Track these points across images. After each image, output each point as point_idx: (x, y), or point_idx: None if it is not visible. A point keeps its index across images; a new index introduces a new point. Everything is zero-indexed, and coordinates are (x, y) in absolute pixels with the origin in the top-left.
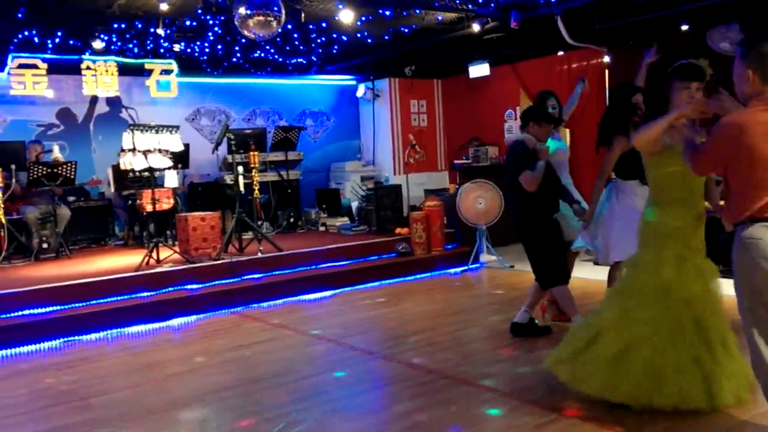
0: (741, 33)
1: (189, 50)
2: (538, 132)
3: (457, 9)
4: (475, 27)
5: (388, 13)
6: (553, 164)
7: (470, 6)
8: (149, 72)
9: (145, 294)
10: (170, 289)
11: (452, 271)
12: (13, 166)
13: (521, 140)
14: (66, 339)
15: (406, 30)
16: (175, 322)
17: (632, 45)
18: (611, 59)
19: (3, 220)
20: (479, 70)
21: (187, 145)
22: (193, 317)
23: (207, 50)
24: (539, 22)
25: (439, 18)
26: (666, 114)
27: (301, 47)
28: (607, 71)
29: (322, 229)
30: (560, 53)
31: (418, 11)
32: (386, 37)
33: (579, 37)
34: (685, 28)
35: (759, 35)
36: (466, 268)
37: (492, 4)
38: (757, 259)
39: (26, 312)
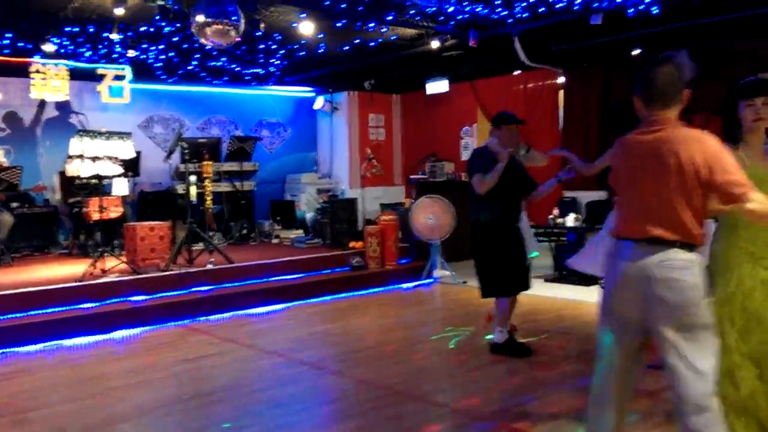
0: (690, 60)
1: (144, 56)
2: (501, 135)
3: (417, 26)
4: (434, 44)
5: (348, 26)
6: None
7: (430, 23)
8: (101, 77)
9: (89, 305)
10: (115, 300)
11: (405, 285)
12: None
13: (484, 145)
14: (4, 350)
15: (367, 44)
16: (118, 334)
17: (586, 67)
18: (566, 80)
19: None
20: (438, 86)
21: (138, 153)
22: (138, 330)
23: (162, 57)
24: (497, 42)
25: (395, 37)
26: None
27: (260, 57)
28: (561, 92)
29: (275, 241)
30: (517, 73)
31: (384, 29)
32: (346, 49)
33: (535, 58)
34: (637, 52)
35: (643, 65)
36: (419, 283)
37: (451, 22)
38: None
39: None
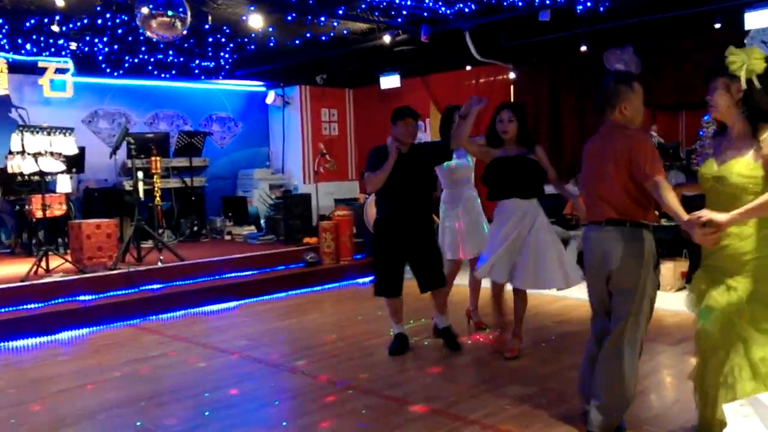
0: (634, 55)
1: (87, 49)
2: (396, 130)
3: (367, 20)
4: (386, 38)
5: (298, 20)
6: (456, 180)
7: (379, 17)
8: (43, 70)
9: (33, 305)
10: (60, 300)
11: (361, 281)
12: None
13: (383, 144)
14: None
15: (318, 38)
16: (65, 335)
17: (536, 62)
18: (516, 75)
19: None
20: (390, 81)
21: (82, 149)
22: (86, 330)
23: (106, 50)
24: (448, 37)
25: (349, 29)
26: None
27: (209, 50)
28: (512, 87)
29: (227, 238)
30: (468, 68)
31: (323, 19)
32: (297, 43)
33: (486, 54)
34: (584, 48)
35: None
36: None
37: (401, 17)
38: None
39: None
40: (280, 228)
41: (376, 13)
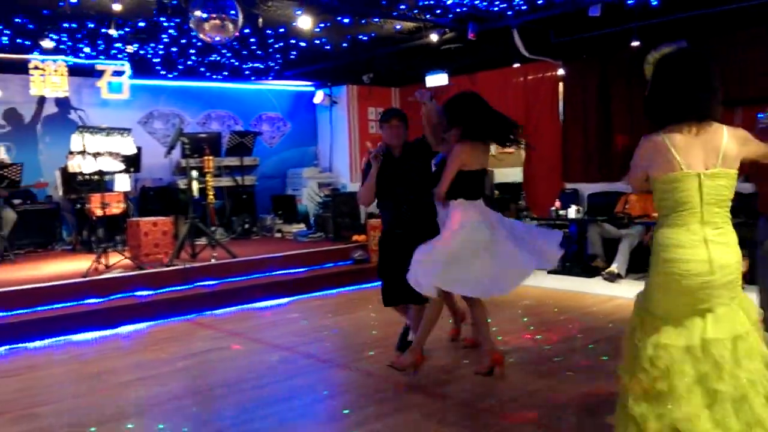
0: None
1: (143, 52)
2: (383, 136)
3: (415, 19)
4: (433, 37)
5: (346, 20)
6: None
7: (428, 16)
8: (101, 73)
9: (94, 300)
10: (119, 295)
11: None
12: None
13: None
14: (11, 346)
15: (365, 38)
16: (124, 329)
17: (585, 58)
18: (566, 72)
19: None
20: (437, 79)
21: (139, 149)
22: (144, 324)
23: (161, 52)
24: (496, 34)
25: (398, 27)
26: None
27: (259, 52)
28: (561, 84)
29: (277, 235)
30: (516, 65)
31: (376, 20)
32: (344, 45)
33: (535, 50)
34: (635, 44)
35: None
36: None
37: (449, 15)
38: None
39: None
40: (329, 226)
41: (416, 10)
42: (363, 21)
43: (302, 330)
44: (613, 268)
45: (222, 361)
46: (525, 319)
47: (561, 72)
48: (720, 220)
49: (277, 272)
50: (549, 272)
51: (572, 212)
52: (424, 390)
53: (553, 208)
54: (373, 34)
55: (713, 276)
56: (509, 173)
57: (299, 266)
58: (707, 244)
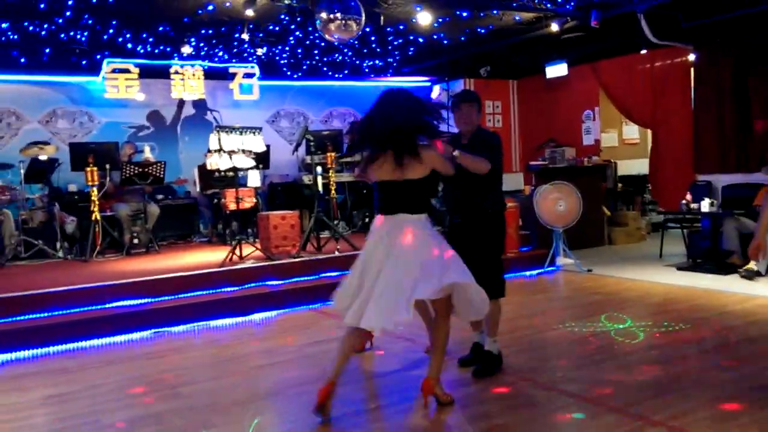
0: None
1: (270, 54)
2: (454, 120)
3: (535, 9)
4: (554, 26)
5: (465, 14)
6: None
7: (549, 5)
8: (233, 75)
9: (229, 289)
10: (252, 284)
11: (528, 273)
12: (107, 166)
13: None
14: (156, 330)
15: (483, 31)
16: (257, 316)
17: (720, 43)
18: (697, 58)
19: (98, 217)
20: (557, 70)
21: (267, 146)
22: (274, 312)
23: (287, 53)
24: (620, 21)
25: (517, 18)
26: None
27: (378, 49)
28: (692, 70)
29: None
30: (643, 52)
31: (495, 12)
32: (462, 38)
33: (663, 35)
34: None
35: None
36: (542, 270)
37: (571, 3)
38: None
39: (119, 304)
40: (445, 219)
41: (547, 3)
42: (482, 14)
43: (422, 321)
44: (752, 265)
45: None
46: (655, 317)
47: (692, 57)
48: None
49: None
50: (678, 269)
51: (705, 205)
52: (547, 387)
53: (684, 201)
54: (491, 27)
55: None
56: (633, 165)
57: None
58: None
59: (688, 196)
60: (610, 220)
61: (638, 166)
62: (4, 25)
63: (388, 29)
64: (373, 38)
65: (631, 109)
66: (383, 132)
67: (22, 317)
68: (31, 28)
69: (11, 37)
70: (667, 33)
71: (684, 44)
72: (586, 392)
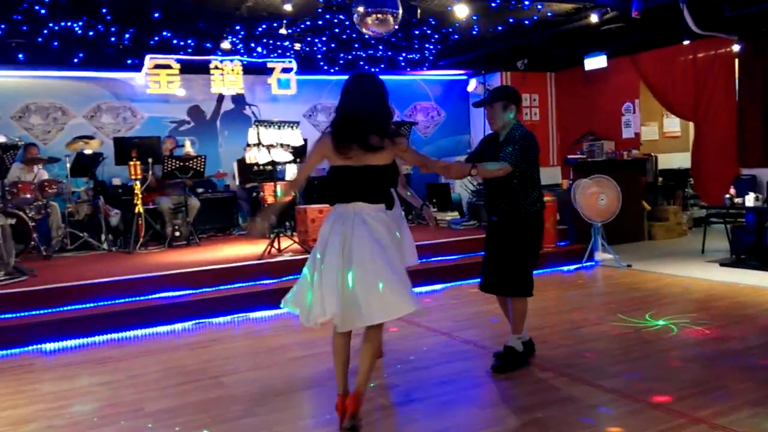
0: None
1: (308, 49)
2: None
3: (575, 0)
4: (593, 18)
5: (503, 5)
6: None
7: None
8: (271, 71)
9: (268, 281)
10: (290, 277)
11: (565, 268)
12: (150, 160)
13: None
14: (197, 321)
15: (522, 22)
16: None
17: (765, 33)
18: (741, 48)
19: (141, 210)
20: (596, 62)
21: (305, 140)
22: None
23: (324, 48)
24: (662, 11)
25: (550, 13)
26: None
27: (415, 43)
28: (737, 61)
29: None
30: (685, 43)
31: (538, 6)
32: (499, 29)
33: (706, 26)
34: None
35: None
36: (580, 265)
37: None
38: None
39: (161, 295)
40: (482, 214)
41: None
42: (525, 5)
43: (458, 316)
44: None
45: (383, 343)
46: (697, 314)
47: (736, 48)
48: None
49: (432, 259)
50: (721, 265)
51: (750, 200)
52: (586, 381)
53: (728, 195)
54: (529, 19)
55: None
56: (674, 159)
57: (454, 253)
58: None
59: (732, 191)
60: (650, 214)
61: (679, 159)
62: (53, 25)
63: (427, 22)
64: (410, 32)
65: (673, 101)
66: (362, 115)
67: (68, 308)
68: (76, 27)
69: (63, 35)
70: (710, 23)
71: (728, 35)
72: (625, 388)
